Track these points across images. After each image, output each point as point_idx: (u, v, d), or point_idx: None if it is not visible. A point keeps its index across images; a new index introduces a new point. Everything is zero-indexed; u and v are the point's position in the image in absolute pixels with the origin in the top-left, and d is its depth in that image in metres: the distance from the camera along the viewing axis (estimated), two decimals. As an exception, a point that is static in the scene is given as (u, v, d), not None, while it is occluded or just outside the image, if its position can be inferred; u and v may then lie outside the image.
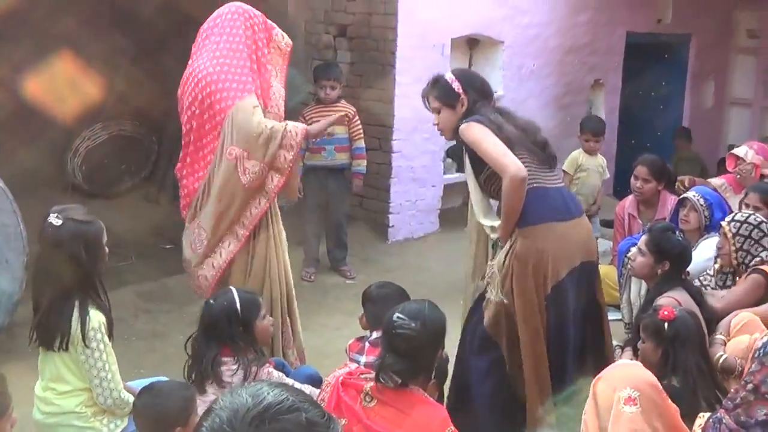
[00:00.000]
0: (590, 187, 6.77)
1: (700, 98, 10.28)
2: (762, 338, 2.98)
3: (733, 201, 5.48)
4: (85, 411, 3.36)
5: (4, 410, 2.73)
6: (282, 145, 4.05)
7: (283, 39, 4.29)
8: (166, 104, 7.06)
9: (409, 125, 7.03)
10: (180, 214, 4.37)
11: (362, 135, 6.39)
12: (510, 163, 3.47)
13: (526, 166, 3.53)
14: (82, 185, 7.47)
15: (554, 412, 3.57)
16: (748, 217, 4.49)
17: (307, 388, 3.36)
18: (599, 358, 3.70)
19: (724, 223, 4.48)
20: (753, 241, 4.39)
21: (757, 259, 4.37)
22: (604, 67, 8.92)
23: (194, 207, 4.21)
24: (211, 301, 3.57)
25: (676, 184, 6.33)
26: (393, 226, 7.25)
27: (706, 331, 3.66)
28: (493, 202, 3.83)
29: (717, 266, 4.60)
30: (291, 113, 4.67)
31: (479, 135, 3.57)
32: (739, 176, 6.03)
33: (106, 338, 3.33)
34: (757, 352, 2.89)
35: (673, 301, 3.76)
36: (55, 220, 3.26)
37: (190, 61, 4.21)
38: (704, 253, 4.85)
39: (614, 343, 4.07)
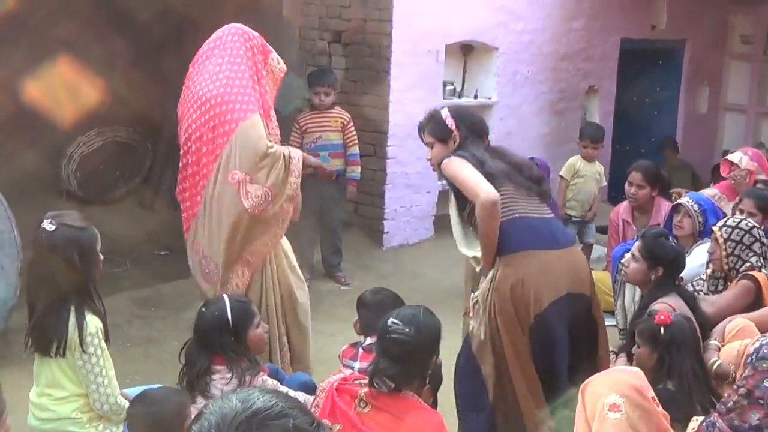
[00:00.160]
0: (586, 194, 6.80)
1: (695, 104, 10.31)
2: (753, 343, 2.98)
3: (728, 209, 5.49)
4: (80, 417, 3.36)
5: (-1, 416, 2.73)
6: (290, 172, 4.04)
7: (278, 64, 4.29)
8: (164, 108, 7.06)
9: (403, 131, 7.01)
10: (175, 221, 4.35)
11: (356, 141, 6.39)
12: (481, 189, 3.47)
13: (508, 198, 3.54)
14: (77, 192, 7.45)
15: (551, 419, 3.56)
16: (739, 223, 4.50)
17: (302, 396, 3.34)
18: (592, 370, 3.67)
19: (715, 228, 4.50)
20: (744, 247, 4.40)
21: (747, 264, 4.38)
22: (598, 74, 8.94)
23: (193, 231, 4.18)
24: (203, 309, 3.52)
25: (672, 196, 6.34)
26: (388, 232, 7.25)
27: (700, 336, 3.67)
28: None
29: (709, 271, 4.61)
30: (286, 120, 4.67)
31: (456, 167, 3.60)
32: (733, 182, 6.06)
33: (104, 344, 3.33)
34: (749, 358, 2.89)
35: (667, 307, 3.77)
36: (48, 225, 3.26)
37: (189, 82, 4.19)
38: (698, 259, 4.87)
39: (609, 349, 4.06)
